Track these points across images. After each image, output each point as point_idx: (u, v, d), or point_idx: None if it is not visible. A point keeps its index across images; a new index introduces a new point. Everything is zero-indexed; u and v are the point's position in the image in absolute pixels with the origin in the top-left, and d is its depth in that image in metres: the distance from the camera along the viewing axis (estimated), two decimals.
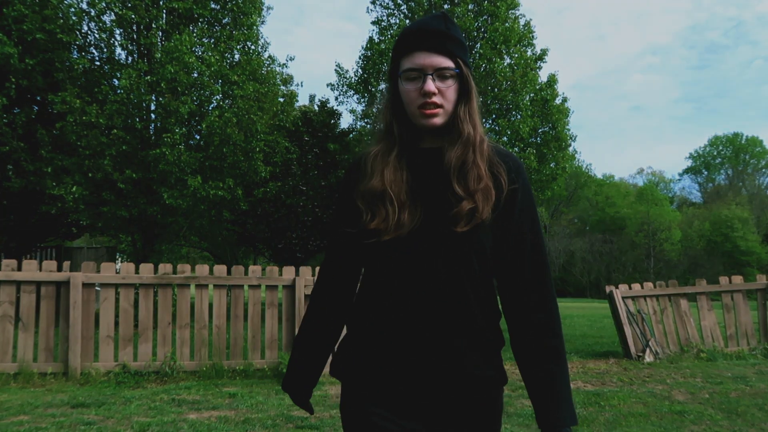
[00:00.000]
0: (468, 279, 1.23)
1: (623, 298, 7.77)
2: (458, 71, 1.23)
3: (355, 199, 1.30)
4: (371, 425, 1.23)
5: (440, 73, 1.22)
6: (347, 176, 1.38)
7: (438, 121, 1.23)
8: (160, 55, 10.54)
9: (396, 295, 1.24)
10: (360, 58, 15.02)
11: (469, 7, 13.94)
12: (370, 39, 14.67)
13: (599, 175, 58.90)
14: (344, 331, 1.40)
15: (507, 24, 13.85)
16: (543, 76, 14.67)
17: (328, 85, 15.80)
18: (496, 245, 1.27)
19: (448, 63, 1.22)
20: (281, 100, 15.69)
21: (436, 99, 1.22)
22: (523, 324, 1.27)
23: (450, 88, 1.23)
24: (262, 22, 13.14)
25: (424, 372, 1.22)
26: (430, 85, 1.21)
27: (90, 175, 10.43)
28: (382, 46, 13.98)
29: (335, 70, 15.15)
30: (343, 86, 15.14)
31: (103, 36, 11.27)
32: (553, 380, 1.24)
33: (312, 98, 19.84)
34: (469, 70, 1.26)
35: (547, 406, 1.22)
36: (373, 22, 14.96)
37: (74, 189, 10.19)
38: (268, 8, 13.43)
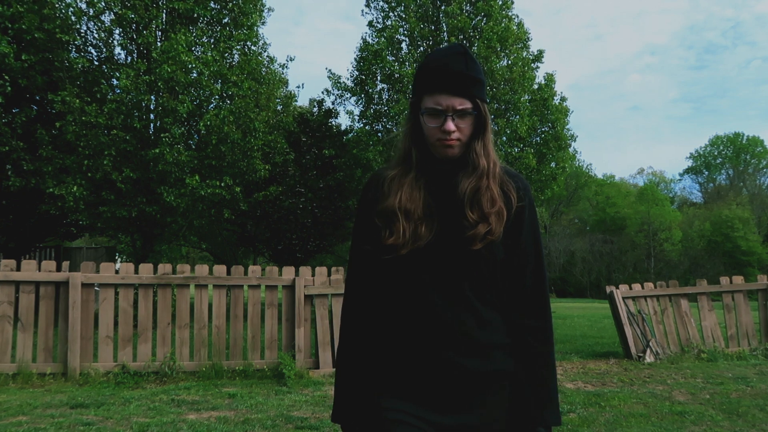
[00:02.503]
0: (483, 289, 1.35)
1: (624, 298, 7.76)
2: (476, 112, 1.34)
3: (373, 217, 1.39)
4: (391, 423, 1.30)
5: (459, 113, 1.33)
6: (364, 195, 1.47)
7: (455, 152, 1.36)
8: (156, 54, 10.53)
9: (415, 306, 1.33)
10: (355, 59, 14.99)
11: (466, 7, 13.92)
12: (364, 41, 14.63)
13: (599, 175, 58.90)
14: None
15: (503, 23, 13.83)
16: (540, 77, 14.67)
17: (323, 92, 15.75)
18: (503, 258, 1.39)
19: (467, 105, 1.33)
20: (278, 100, 15.69)
21: (454, 136, 1.34)
22: (519, 329, 1.39)
23: (467, 125, 1.35)
24: (263, 23, 13.14)
25: (444, 376, 1.32)
26: (450, 125, 1.32)
27: (89, 174, 10.42)
28: (376, 47, 13.95)
29: (327, 77, 15.02)
30: (338, 90, 15.05)
31: (102, 35, 11.26)
32: (543, 383, 1.37)
33: (311, 102, 19.85)
34: (486, 105, 1.37)
35: (535, 406, 1.36)
36: (369, 24, 14.94)
37: (75, 189, 10.18)
38: (269, 9, 13.43)
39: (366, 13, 15.19)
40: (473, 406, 1.33)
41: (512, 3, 14.45)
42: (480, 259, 1.33)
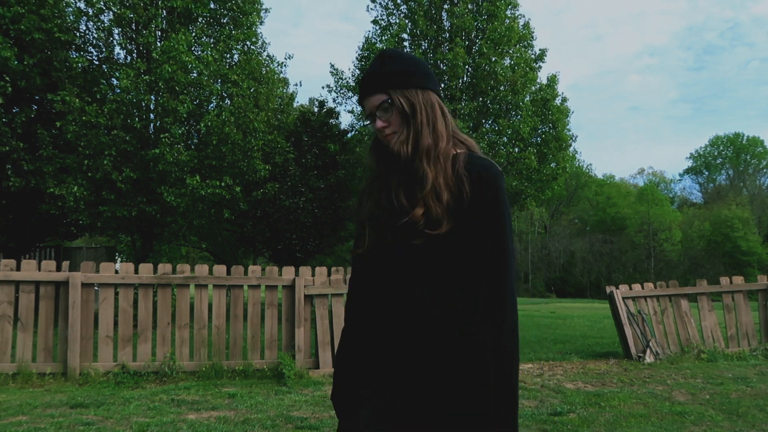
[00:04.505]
0: (431, 287, 1.30)
1: (624, 298, 7.75)
2: (390, 101, 1.37)
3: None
4: (356, 410, 1.35)
5: (380, 109, 1.38)
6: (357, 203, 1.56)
7: (396, 144, 1.37)
8: (156, 54, 10.53)
9: (369, 302, 1.40)
10: (357, 58, 15.00)
11: (469, 6, 13.94)
12: (367, 39, 14.65)
13: (599, 176, 58.96)
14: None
15: (507, 23, 13.85)
16: (543, 77, 14.70)
17: (323, 87, 15.84)
18: (455, 252, 1.31)
19: (382, 98, 1.38)
20: (279, 99, 15.69)
21: (387, 131, 1.39)
22: (464, 333, 1.32)
23: (393, 116, 1.38)
24: (261, 23, 13.15)
25: (392, 369, 1.33)
26: (378, 123, 1.39)
27: (90, 174, 10.42)
28: (380, 45, 13.96)
29: (330, 72, 15.10)
30: (340, 88, 15.10)
31: (102, 35, 11.26)
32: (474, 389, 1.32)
33: (311, 101, 19.85)
34: (411, 91, 1.38)
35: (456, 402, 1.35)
36: (373, 22, 14.96)
37: (75, 189, 10.18)
38: (266, 10, 13.43)
39: (371, 9, 15.23)
40: (417, 399, 1.32)
41: (518, 3, 14.47)
42: (426, 255, 1.30)
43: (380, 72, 1.39)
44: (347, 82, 15.06)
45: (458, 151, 1.39)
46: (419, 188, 1.31)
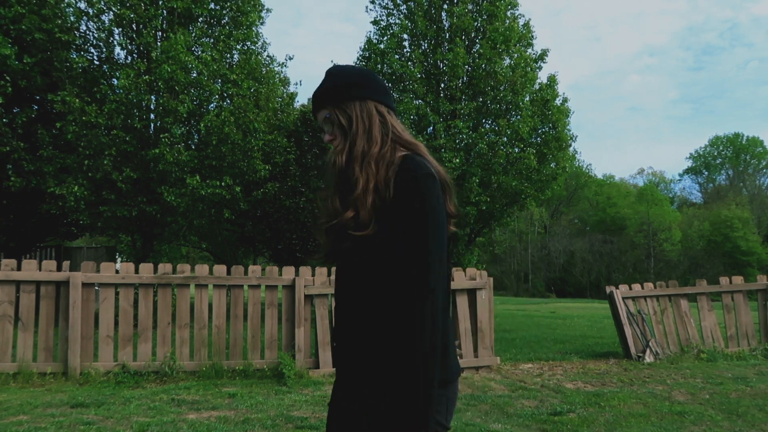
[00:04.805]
0: (359, 289, 1.37)
1: (623, 298, 7.76)
2: (328, 115, 1.46)
3: None
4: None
5: (326, 123, 1.47)
6: None
7: (331, 154, 1.46)
8: (155, 54, 10.53)
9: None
10: (358, 58, 15.00)
11: (468, 7, 13.94)
12: (369, 40, 14.65)
13: (599, 176, 58.95)
14: None
15: (507, 23, 13.85)
16: (543, 77, 14.70)
17: None
18: (380, 254, 1.34)
19: (323, 114, 1.48)
20: (279, 99, 15.68)
21: (334, 143, 1.47)
22: (384, 336, 1.35)
23: (336, 129, 1.46)
24: (262, 23, 13.15)
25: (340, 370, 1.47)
26: (326, 137, 1.48)
27: (90, 174, 10.43)
28: (381, 46, 13.97)
29: None
30: None
31: (102, 35, 11.27)
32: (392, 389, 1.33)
33: (310, 101, 19.82)
34: (350, 103, 1.45)
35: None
36: (373, 22, 14.95)
37: (75, 189, 10.18)
38: (267, 10, 13.43)
39: (370, 9, 15.21)
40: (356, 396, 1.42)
41: (518, 3, 14.47)
42: (356, 257, 1.36)
43: (323, 88, 1.48)
44: None
45: (400, 154, 1.40)
46: (350, 193, 1.36)
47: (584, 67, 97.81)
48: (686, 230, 48.07)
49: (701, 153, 61.33)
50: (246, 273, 6.54)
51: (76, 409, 4.70)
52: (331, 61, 15.49)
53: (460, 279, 6.94)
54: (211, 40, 11.87)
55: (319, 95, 1.49)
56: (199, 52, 11.26)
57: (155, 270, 6.31)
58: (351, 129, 1.43)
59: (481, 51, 13.47)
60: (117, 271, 6.63)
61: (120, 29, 11.19)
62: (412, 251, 1.29)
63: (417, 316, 1.26)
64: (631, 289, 7.95)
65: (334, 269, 6.69)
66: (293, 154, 14.96)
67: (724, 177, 60.22)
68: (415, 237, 1.29)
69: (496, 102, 13.90)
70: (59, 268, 6.21)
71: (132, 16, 10.69)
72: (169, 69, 10.16)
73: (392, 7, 14.82)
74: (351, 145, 1.42)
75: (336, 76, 1.50)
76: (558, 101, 14.43)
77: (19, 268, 6.03)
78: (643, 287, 8.02)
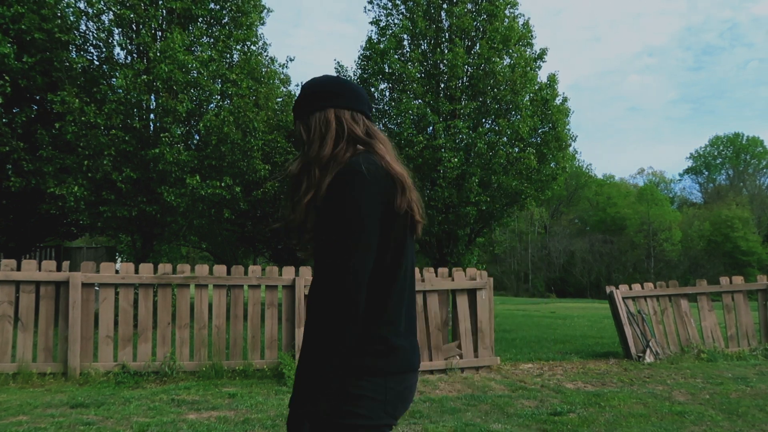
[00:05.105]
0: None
1: (623, 298, 7.76)
2: (293, 128, 1.62)
3: None
4: None
5: (296, 136, 1.59)
6: None
7: (292, 163, 1.56)
8: (153, 54, 10.52)
9: None
10: (359, 58, 15.00)
11: (468, 6, 13.93)
12: (369, 39, 14.64)
13: (599, 175, 58.96)
14: None
15: (506, 23, 13.84)
16: (543, 77, 14.68)
17: None
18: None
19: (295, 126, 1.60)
20: (279, 100, 15.67)
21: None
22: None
23: (299, 139, 1.56)
24: (262, 23, 13.14)
25: None
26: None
27: (90, 174, 10.42)
28: (381, 45, 13.95)
29: (335, 68, 15.11)
30: None
31: (102, 35, 11.26)
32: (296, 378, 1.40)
33: None
34: (312, 115, 1.53)
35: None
36: (372, 22, 14.94)
37: (75, 189, 10.18)
38: (268, 10, 13.42)
39: (369, 10, 15.20)
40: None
41: (517, 2, 14.46)
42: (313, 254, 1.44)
43: (295, 103, 1.60)
44: (350, 80, 15.05)
45: (349, 154, 1.46)
46: (292, 194, 1.50)
47: (584, 67, 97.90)
48: (686, 230, 48.08)
49: (701, 153, 61.35)
50: (246, 273, 6.54)
51: (75, 410, 4.70)
52: (335, 60, 15.40)
53: (460, 279, 6.93)
54: (211, 40, 11.86)
55: (292, 109, 1.62)
56: (199, 52, 11.26)
57: (155, 270, 6.30)
58: (308, 137, 1.52)
59: (481, 51, 13.46)
60: (117, 271, 6.63)
61: (120, 29, 11.19)
62: (319, 247, 1.37)
63: (315, 311, 1.33)
64: (631, 289, 7.95)
65: None
66: (293, 154, 14.95)
67: (724, 177, 60.26)
68: (323, 232, 1.37)
69: (495, 102, 13.89)
70: (59, 268, 6.20)
71: (132, 16, 10.69)
72: (166, 69, 10.16)
73: (391, 7, 14.81)
74: (304, 153, 1.52)
75: (303, 89, 1.59)
76: (558, 101, 14.42)
77: (18, 268, 6.03)
78: (643, 287, 8.01)
